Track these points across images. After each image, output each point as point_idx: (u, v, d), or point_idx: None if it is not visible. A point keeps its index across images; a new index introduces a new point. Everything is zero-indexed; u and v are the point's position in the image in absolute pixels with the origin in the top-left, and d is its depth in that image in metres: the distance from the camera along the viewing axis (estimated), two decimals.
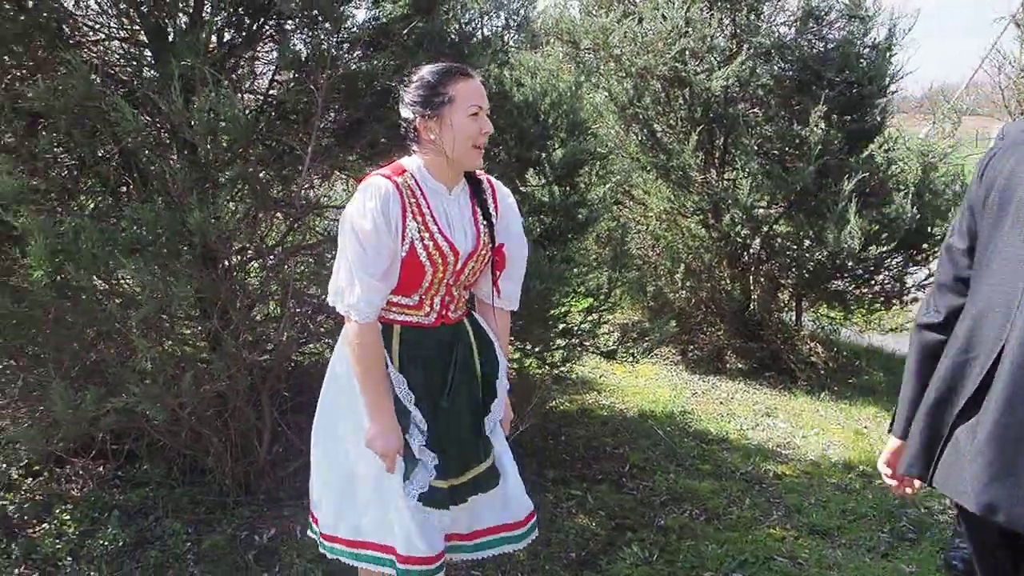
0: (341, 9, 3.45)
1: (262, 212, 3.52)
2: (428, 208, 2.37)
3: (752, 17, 5.74)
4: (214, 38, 3.64)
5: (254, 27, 3.73)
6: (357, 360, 2.39)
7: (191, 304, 3.32)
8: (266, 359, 3.61)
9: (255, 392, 3.77)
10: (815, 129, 5.48)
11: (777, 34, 5.96)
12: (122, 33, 3.73)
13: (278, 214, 3.66)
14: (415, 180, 2.38)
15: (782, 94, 5.88)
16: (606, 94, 5.87)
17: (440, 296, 2.46)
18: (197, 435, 3.82)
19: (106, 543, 3.55)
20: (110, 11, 3.70)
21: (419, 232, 2.34)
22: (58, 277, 3.20)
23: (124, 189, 3.69)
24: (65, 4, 3.61)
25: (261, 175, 3.50)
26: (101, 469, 4.13)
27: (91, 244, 3.12)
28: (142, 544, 3.59)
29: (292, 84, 3.58)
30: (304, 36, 3.67)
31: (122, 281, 3.46)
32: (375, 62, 3.64)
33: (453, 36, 3.97)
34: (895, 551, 3.80)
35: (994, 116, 13.32)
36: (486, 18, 4.05)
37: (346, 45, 3.61)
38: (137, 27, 3.62)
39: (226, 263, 3.60)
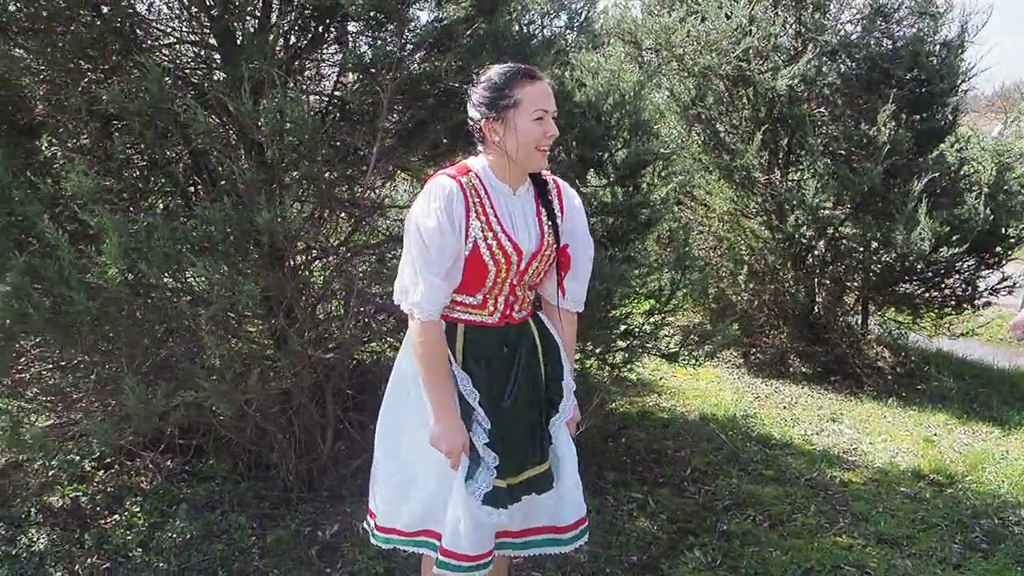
0: (406, 11, 3.47)
1: (327, 212, 3.56)
2: (492, 208, 2.39)
3: (818, 15, 5.65)
4: (281, 41, 3.71)
5: (319, 29, 3.78)
6: (420, 358, 2.41)
7: (257, 302, 3.37)
8: (330, 357, 3.66)
9: (319, 389, 3.82)
10: (883, 128, 5.36)
11: (843, 32, 5.85)
12: (192, 37, 3.81)
13: (342, 214, 3.70)
14: (479, 180, 2.40)
15: (849, 93, 5.77)
16: (668, 94, 5.83)
17: (504, 296, 2.47)
18: (262, 431, 3.89)
19: (174, 535, 3.63)
20: (181, 15, 3.79)
21: (482, 231, 2.35)
22: (131, 275, 3.29)
23: (194, 189, 3.77)
24: (138, 9, 3.72)
25: (326, 175, 3.54)
26: (170, 463, 4.23)
27: (163, 243, 3.20)
28: (209, 537, 3.66)
29: (357, 85, 3.63)
30: (369, 38, 3.71)
31: (191, 279, 3.53)
32: (438, 63, 3.66)
33: (515, 37, 3.97)
34: (967, 562, 3.70)
35: None
36: (548, 19, 4.04)
37: (409, 47, 3.63)
38: (207, 31, 3.70)
39: (291, 262, 3.66)
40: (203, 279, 3.39)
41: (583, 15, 4.19)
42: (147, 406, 3.30)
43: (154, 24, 3.77)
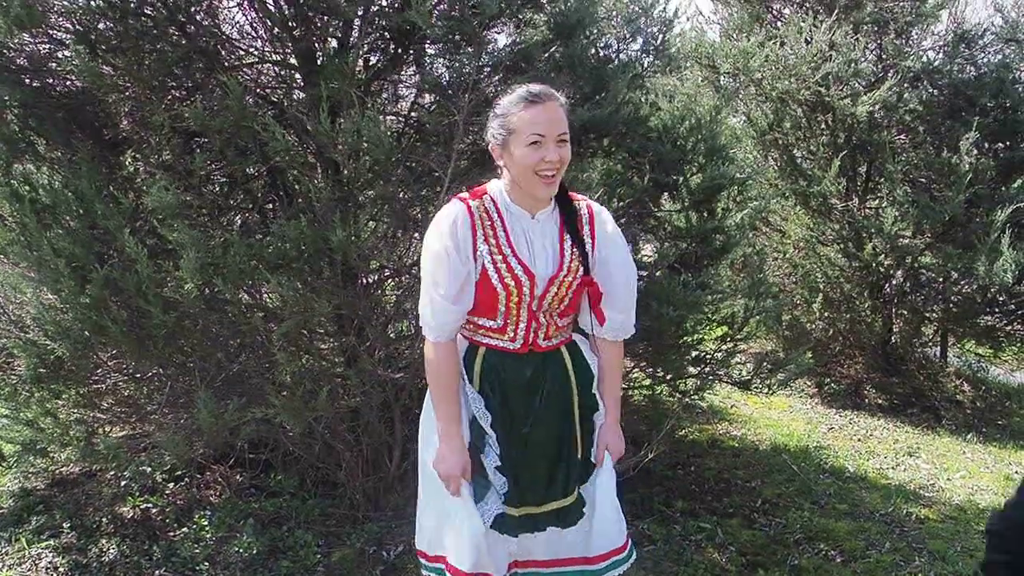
0: (484, 34, 3.48)
1: (400, 231, 3.57)
2: (504, 231, 2.37)
3: (900, 41, 5.53)
4: (360, 62, 3.75)
5: (398, 51, 3.81)
6: (430, 378, 2.45)
7: (330, 320, 3.39)
8: (399, 376, 3.65)
9: (387, 408, 3.82)
10: (965, 156, 5.21)
11: (926, 58, 5.72)
12: (275, 56, 3.87)
13: (415, 234, 3.70)
14: (495, 203, 2.39)
15: (930, 120, 5.63)
16: (744, 119, 5.75)
17: (524, 322, 2.42)
18: (329, 448, 3.90)
19: (241, 550, 3.65)
20: (264, 36, 3.85)
21: (490, 255, 2.33)
22: (207, 290, 3.34)
23: (270, 207, 3.81)
24: (223, 29, 3.79)
25: (401, 195, 3.55)
26: (238, 477, 4.27)
27: (239, 259, 3.24)
28: (275, 553, 3.67)
29: (433, 107, 3.64)
30: (446, 60, 3.72)
31: (265, 296, 3.56)
32: (514, 86, 3.65)
33: (591, 61, 3.96)
34: None
35: None
36: (624, 43, 4.02)
37: (487, 69, 3.64)
38: (289, 51, 3.75)
39: (364, 281, 3.68)
40: (276, 296, 3.43)
41: (659, 39, 4.15)
42: (219, 420, 3.34)
43: (237, 44, 3.84)
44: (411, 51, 3.91)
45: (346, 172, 3.38)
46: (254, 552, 3.64)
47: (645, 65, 4.07)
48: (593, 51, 4.04)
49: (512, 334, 2.43)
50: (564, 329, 2.52)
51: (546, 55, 3.84)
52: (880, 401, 6.26)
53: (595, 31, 4.01)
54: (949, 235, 5.56)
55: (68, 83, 3.66)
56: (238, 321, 3.40)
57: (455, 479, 2.42)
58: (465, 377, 2.47)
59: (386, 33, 3.72)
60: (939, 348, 6.48)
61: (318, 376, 3.51)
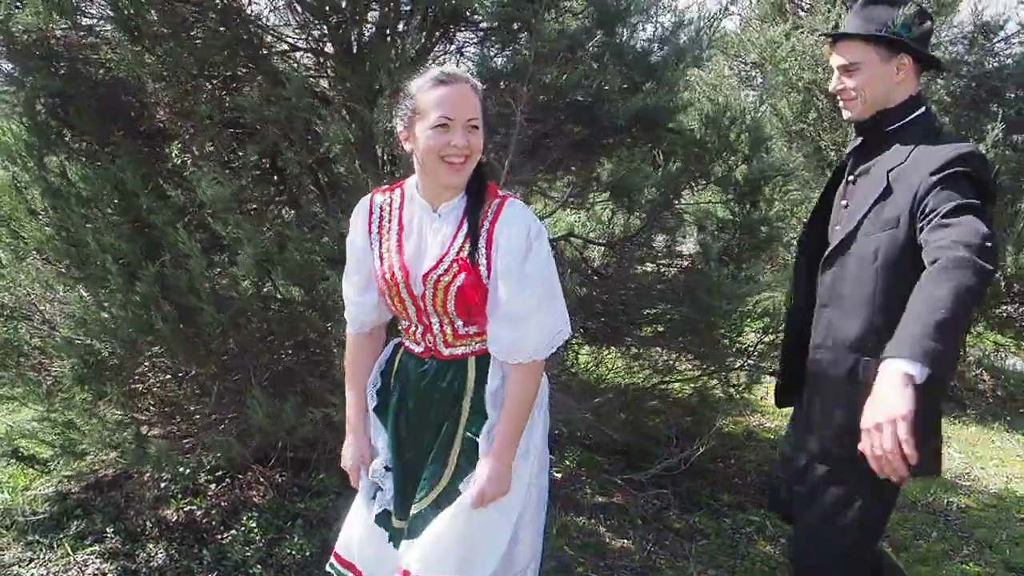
0: (539, 22, 3.40)
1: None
2: (400, 225, 2.27)
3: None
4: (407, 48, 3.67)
5: (442, 37, 3.74)
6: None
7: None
8: None
9: None
10: (992, 146, 5.23)
11: (949, 50, 5.73)
12: (310, 44, 3.76)
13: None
14: (403, 196, 2.29)
15: (955, 111, 5.64)
16: (771, 110, 5.72)
17: (415, 323, 2.29)
18: None
19: (293, 552, 3.58)
20: (298, 22, 3.74)
21: (378, 249, 2.27)
22: (265, 287, 3.25)
23: (314, 199, 3.72)
24: (263, 16, 3.68)
25: None
26: (279, 478, 4.17)
27: (297, 254, 3.15)
28: (326, 553, 3.52)
29: (489, 97, 3.56)
30: (497, 47, 3.64)
31: (322, 290, 3.46)
32: (565, 76, 3.59)
33: (637, 50, 3.90)
34: None
35: None
36: (671, 32, 3.95)
37: (541, 58, 3.56)
38: (324, 38, 3.64)
39: None
40: (332, 291, 3.35)
41: (702, 31, 4.10)
42: (275, 420, 3.25)
43: (274, 31, 3.74)
44: (455, 38, 3.86)
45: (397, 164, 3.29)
46: (307, 554, 3.57)
47: (694, 55, 4.00)
48: (635, 43, 3.98)
49: (414, 336, 2.33)
50: (470, 338, 2.28)
51: (590, 44, 3.78)
52: None
53: (638, 22, 3.96)
54: None
55: (103, 72, 3.53)
56: (295, 318, 3.31)
57: (353, 471, 2.43)
58: (376, 372, 2.44)
59: (430, 19, 3.65)
60: None
61: None
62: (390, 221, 2.28)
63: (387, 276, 2.24)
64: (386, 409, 2.40)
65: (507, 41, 3.56)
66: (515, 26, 3.45)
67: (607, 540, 3.80)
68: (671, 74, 3.71)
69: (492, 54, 3.56)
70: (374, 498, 2.41)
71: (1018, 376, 6.67)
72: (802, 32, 5.39)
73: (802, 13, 5.71)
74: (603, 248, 4.43)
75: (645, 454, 4.29)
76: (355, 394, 2.44)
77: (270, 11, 3.76)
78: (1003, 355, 6.61)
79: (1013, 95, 5.48)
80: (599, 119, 3.67)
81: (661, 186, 3.92)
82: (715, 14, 3.91)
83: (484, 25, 3.69)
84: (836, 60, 2.48)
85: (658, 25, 3.99)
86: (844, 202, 2.52)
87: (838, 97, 2.52)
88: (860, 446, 1.88)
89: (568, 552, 3.67)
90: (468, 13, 3.64)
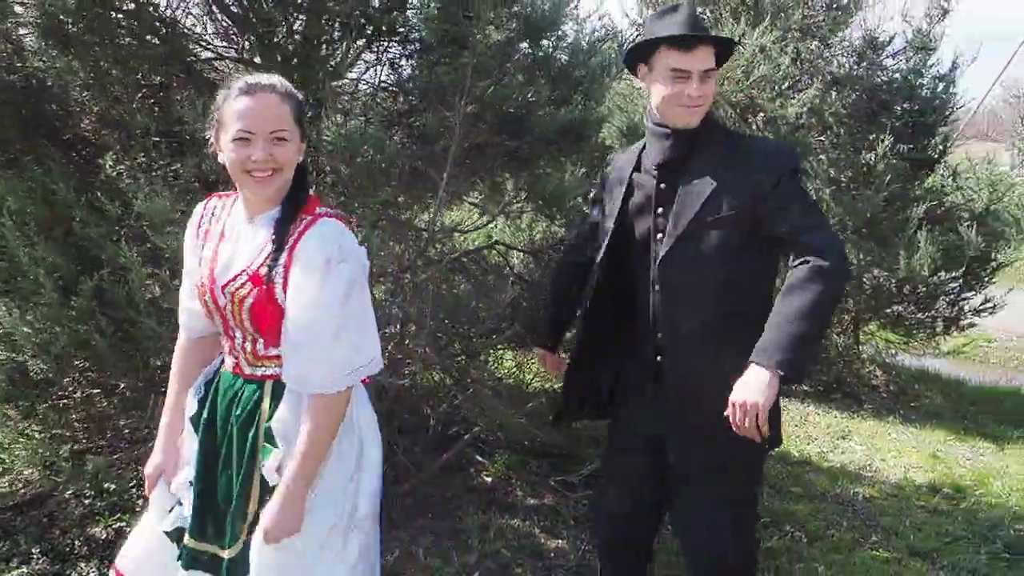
0: (476, 35, 3.48)
1: (397, 237, 3.55)
2: (223, 232, 2.20)
3: (820, 47, 5.86)
4: (338, 58, 3.70)
5: (375, 48, 3.79)
6: None
7: None
8: (395, 381, 3.63)
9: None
10: (882, 158, 5.58)
11: (846, 65, 6.08)
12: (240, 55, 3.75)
13: (408, 238, 3.68)
14: (231, 203, 2.23)
15: (849, 123, 5.98)
16: None
17: (224, 336, 2.21)
18: None
19: None
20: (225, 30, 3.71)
21: (202, 254, 2.21)
22: None
23: None
24: (187, 25, 3.65)
25: (396, 198, 3.52)
26: None
27: None
28: None
29: (427, 111, 3.62)
30: (431, 60, 3.70)
31: None
32: (492, 88, 3.67)
33: (563, 63, 4.01)
34: (995, 573, 3.87)
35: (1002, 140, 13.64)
36: (597, 46, 4.09)
37: (477, 70, 3.63)
38: (247, 47, 3.63)
39: None
40: None
41: (624, 45, 4.26)
42: None
43: (203, 42, 3.71)
44: (387, 50, 3.90)
45: (345, 176, 3.32)
46: None
47: (614, 72, 4.15)
48: (561, 55, 4.10)
49: (227, 349, 2.23)
50: (269, 360, 2.16)
51: (518, 57, 3.88)
52: (806, 387, 6.60)
53: (564, 33, 4.07)
54: (870, 231, 5.93)
55: (26, 79, 3.44)
56: None
57: (150, 479, 2.32)
58: (201, 380, 2.33)
59: (354, 30, 3.69)
60: (853, 337, 6.87)
61: None
62: (215, 227, 2.22)
63: (200, 283, 2.18)
64: (199, 420, 2.27)
65: (443, 54, 3.62)
66: (451, 39, 3.52)
67: (542, 541, 3.90)
68: (596, 87, 3.84)
69: (428, 67, 3.61)
70: (171, 511, 2.28)
71: (907, 372, 7.12)
72: None
73: (706, 25, 5.94)
74: (525, 255, 4.54)
75: (573, 456, 4.41)
76: (173, 398, 2.35)
77: (191, 19, 3.75)
78: (894, 352, 7.03)
79: (900, 108, 5.85)
80: (529, 131, 3.77)
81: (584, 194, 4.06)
82: (634, 29, 4.07)
83: (418, 37, 3.75)
84: (700, 64, 2.51)
85: (581, 39, 4.12)
86: (659, 208, 2.63)
87: (683, 104, 2.52)
88: (726, 411, 2.34)
89: (505, 554, 3.75)
90: (398, 27, 3.71)
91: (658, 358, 2.69)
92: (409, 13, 3.67)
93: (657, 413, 2.70)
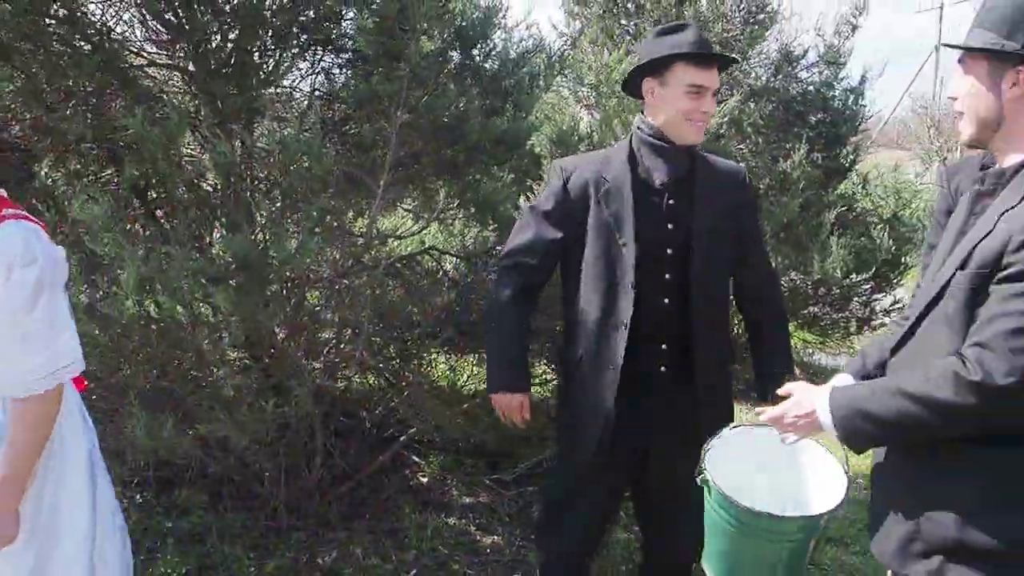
0: (410, 46, 3.57)
1: (335, 244, 3.62)
2: None
3: (741, 60, 6.09)
4: (270, 68, 3.75)
5: (311, 55, 3.85)
6: None
7: (272, 332, 3.40)
8: (328, 383, 3.70)
9: (307, 415, 3.84)
10: (798, 165, 5.83)
11: (763, 77, 6.33)
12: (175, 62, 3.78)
13: (346, 244, 3.74)
14: None
15: (767, 132, 6.23)
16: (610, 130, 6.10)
17: None
18: (244, 461, 3.87)
19: (170, 570, 3.56)
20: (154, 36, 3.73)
21: None
22: (153, 308, 3.25)
23: (206, 219, 3.72)
24: (118, 31, 3.66)
25: (332, 205, 3.59)
26: (138, 497, 4.12)
27: (180, 273, 3.17)
28: (205, 570, 3.62)
29: (363, 120, 3.70)
30: (365, 71, 3.77)
31: (205, 311, 3.48)
32: (425, 97, 3.76)
33: (493, 71, 4.12)
34: None
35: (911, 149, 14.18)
36: (527, 57, 4.21)
37: (412, 80, 3.72)
38: (182, 55, 3.66)
39: (282, 290, 3.67)
40: (210, 310, 3.39)
41: (558, 55, 4.39)
42: (156, 440, 3.26)
43: (141, 53, 3.73)
44: (322, 60, 3.97)
45: (284, 184, 3.38)
46: (183, 572, 3.57)
47: (545, 82, 4.28)
48: (491, 64, 4.21)
49: None
50: None
51: (450, 65, 3.99)
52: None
53: (495, 43, 4.19)
54: (786, 236, 6.17)
55: None
56: (179, 338, 3.32)
57: None
58: None
59: (305, 41, 3.75)
60: None
61: (259, 389, 3.48)
62: None
63: None
64: None
65: (379, 65, 3.69)
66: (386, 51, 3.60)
67: (478, 538, 4.01)
68: (526, 97, 3.96)
69: (363, 77, 3.68)
70: None
71: (824, 370, 7.40)
72: (634, 56, 5.82)
73: (634, 41, 6.13)
74: (459, 259, 4.64)
75: (507, 455, 4.53)
76: None
77: (125, 27, 3.76)
78: (811, 351, 7.32)
79: (815, 119, 6.14)
80: (463, 139, 3.87)
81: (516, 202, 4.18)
82: (565, 41, 4.20)
83: (352, 47, 3.82)
84: (715, 82, 2.67)
85: (510, 49, 4.24)
86: (670, 224, 2.73)
87: (693, 120, 2.64)
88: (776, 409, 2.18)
89: (443, 551, 3.85)
90: (335, 38, 3.79)
91: (662, 369, 2.78)
92: (345, 24, 3.75)
93: (646, 425, 2.78)
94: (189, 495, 4.08)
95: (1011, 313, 1.74)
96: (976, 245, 1.88)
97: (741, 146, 6.26)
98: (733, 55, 2.79)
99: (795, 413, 2.11)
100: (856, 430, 1.97)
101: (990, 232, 1.86)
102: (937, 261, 2.07)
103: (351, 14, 3.70)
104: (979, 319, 1.81)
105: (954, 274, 1.90)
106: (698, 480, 2.27)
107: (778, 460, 2.36)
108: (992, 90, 1.92)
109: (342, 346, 3.80)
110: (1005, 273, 1.78)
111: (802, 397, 2.14)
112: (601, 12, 6.19)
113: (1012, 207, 1.86)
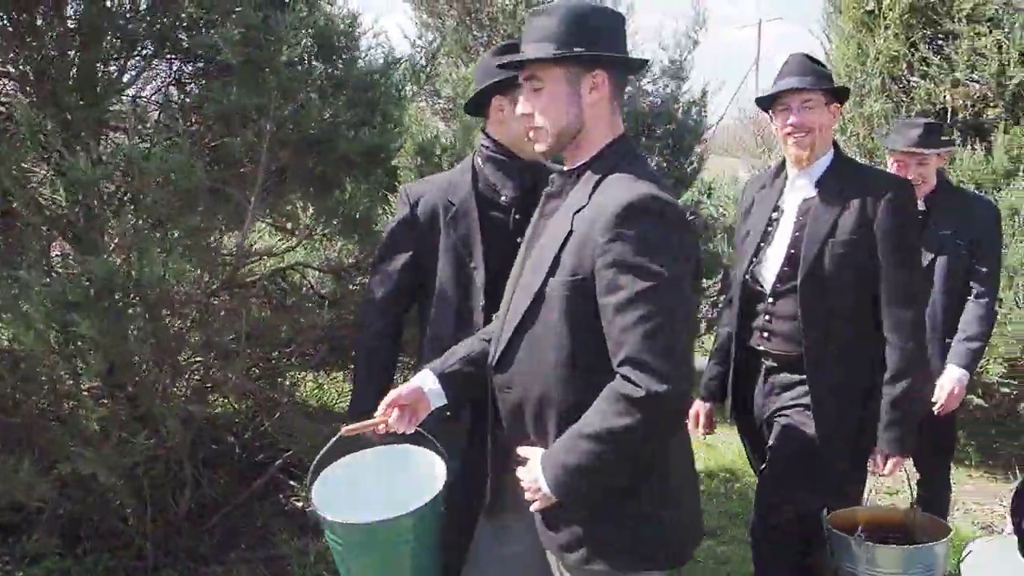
0: (278, 59, 3.44)
1: (205, 266, 3.44)
2: None
3: None
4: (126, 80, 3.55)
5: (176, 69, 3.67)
6: None
7: (143, 358, 3.18)
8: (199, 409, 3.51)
9: (177, 445, 3.63)
10: None
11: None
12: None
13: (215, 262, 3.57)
14: None
15: None
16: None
17: None
18: (103, 498, 3.63)
19: None
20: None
21: None
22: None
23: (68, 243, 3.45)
24: None
25: (200, 224, 3.41)
26: None
27: (40, 300, 2.93)
28: None
29: (224, 132, 3.54)
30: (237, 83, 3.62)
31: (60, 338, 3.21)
32: (288, 109, 3.64)
33: (356, 81, 4.03)
34: None
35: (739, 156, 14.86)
36: (391, 67, 4.13)
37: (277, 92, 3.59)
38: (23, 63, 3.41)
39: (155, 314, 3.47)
40: (74, 340, 3.14)
41: (420, 66, 4.35)
42: (10, 481, 3.00)
43: None
44: (181, 72, 3.78)
45: (151, 202, 3.18)
46: None
47: (407, 93, 4.22)
48: (357, 74, 4.12)
49: None
50: None
51: (314, 76, 3.88)
52: None
53: (355, 54, 4.09)
54: None
55: None
56: (34, 370, 3.06)
57: None
58: None
59: (167, 52, 3.56)
60: None
61: (124, 421, 3.26)
62: None
63: None
64: None
65: (246, 75, 3.54)
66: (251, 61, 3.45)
67: None
68: (392, 108, 3.90)
69: (224, 88, 3.52)
70: None
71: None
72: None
73: (481, 50, 6.16)
74: (326, 275, 4.51)
75: None
76: None
77: None
78: None
79: (662, 130, 6.35)
80: (333, 152, 3.77)
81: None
82: (419, 50, 4.16)
83: (215, 57, 3.65)
84: None
85: (374, 60, 4.17)
86: (519, 239, 2.58)
87: None
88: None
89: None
90: (197, 49, 3.61)
91: None
92: (205, 34, 3.57)
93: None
94: (39, 539, 3.76)
95: (636, 322, 1.79)
96: (561, 250, 1.94)
97: None
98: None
99: (528, 487, 2.01)
100: (571, 491, 1.91)
101: (570, 234, 1.93)
102: (517, 266, 2.14)
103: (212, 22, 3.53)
104: (610, 336, 1.84)
105: (546, 281, 1.96)
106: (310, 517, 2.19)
107: (392, 472, 2.36)
108: (571, 98, 1.98)
109: (211, 371, 3.62)
110: (604, 285, 1.85)
111: (531, 465, 2.01)
112: (455, 24, 6.18)
113: (583, 207, 1.94)
